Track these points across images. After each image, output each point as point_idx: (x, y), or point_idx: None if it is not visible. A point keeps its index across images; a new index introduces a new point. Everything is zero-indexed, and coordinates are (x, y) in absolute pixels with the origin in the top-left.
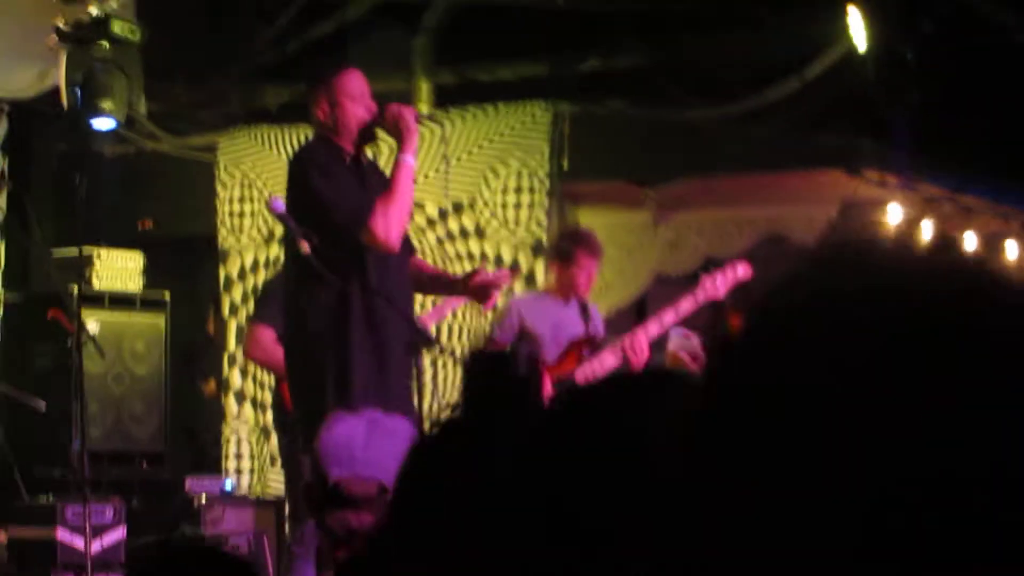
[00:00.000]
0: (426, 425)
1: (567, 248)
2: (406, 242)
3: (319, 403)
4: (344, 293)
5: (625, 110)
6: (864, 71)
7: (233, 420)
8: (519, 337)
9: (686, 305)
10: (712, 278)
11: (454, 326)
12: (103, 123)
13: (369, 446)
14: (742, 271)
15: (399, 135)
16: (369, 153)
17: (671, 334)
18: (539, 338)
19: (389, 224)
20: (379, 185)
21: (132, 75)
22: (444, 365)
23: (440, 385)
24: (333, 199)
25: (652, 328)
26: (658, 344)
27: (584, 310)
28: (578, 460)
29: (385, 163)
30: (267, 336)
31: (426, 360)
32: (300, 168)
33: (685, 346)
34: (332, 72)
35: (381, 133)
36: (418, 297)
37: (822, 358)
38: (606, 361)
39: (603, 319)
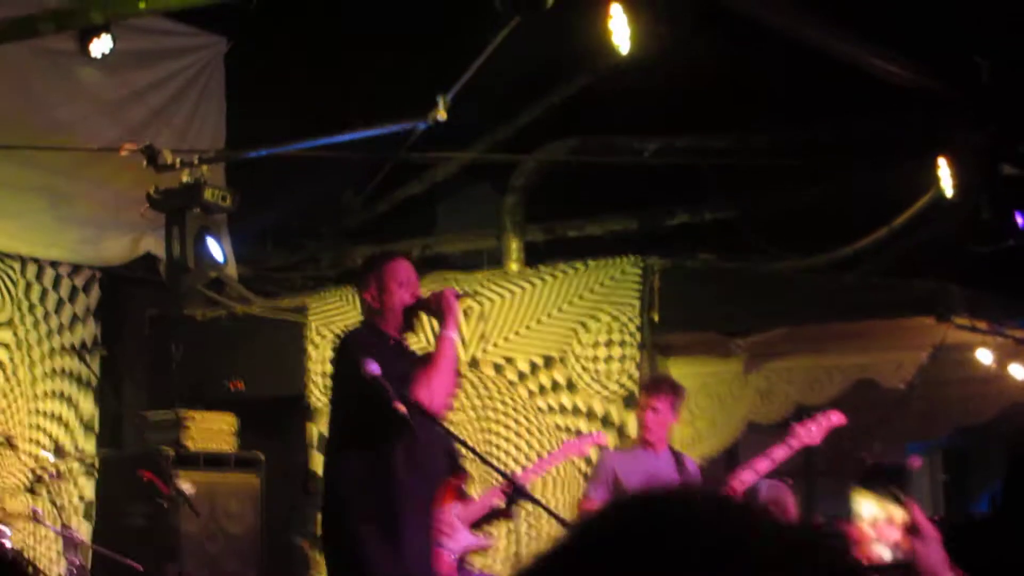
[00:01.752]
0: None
1: (641, 392)
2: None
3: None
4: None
5: (714, 262)
6: (952, 218)
7: None
8: (613, 491)
9: (780, 453)
10: (805, 426)
11: (553, 480)
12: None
13: None
14: (835, 418)
15: (441, 314)
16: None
17: (761, 485)
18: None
19: (432, 391)
20: (420, 364)
21: (222, 239)
22: (539, 518)
23: (534, 537)
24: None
25: (747, 476)
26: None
27: (678, 461)
28: None
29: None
30: None
31: (521, 513)
32: (345, 347)
33: (776, 499)
34: (382, 259)
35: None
36: (524, 448)
37: None
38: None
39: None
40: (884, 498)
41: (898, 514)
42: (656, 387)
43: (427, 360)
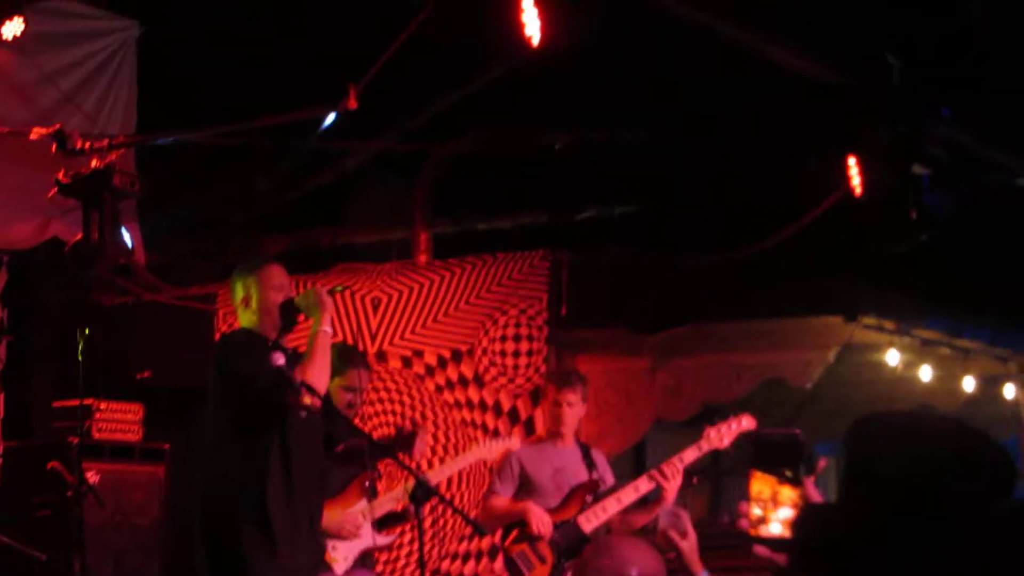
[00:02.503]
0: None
1: (550, 386)
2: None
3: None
4: (265, 447)
5: (622, 257)
6: (861, 217)
7: None
8: (520, 486)
9: (690, 454)
10: (716, 428)
11: (458, 476)
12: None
13: None
14: (746, 422)
15: (315, 310)
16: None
17: (661, 512)
18: (540, 486)
19: (311, 382)
20: (297, 360)
21: (131, 226)
22: (444, 512)
23: (440, 530)
24: (253, 371)
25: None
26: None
27: (585, 453)
28: None
29: None
30: None
31: (427, 507)
32: (223, 347)
33: (675, 524)
34: (255, 265)
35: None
36: (430, 442)
37: None
38: (641, 487)
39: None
40: (773, 476)
41: (786, 491)
42: (567, 380)
43: (303, 356)
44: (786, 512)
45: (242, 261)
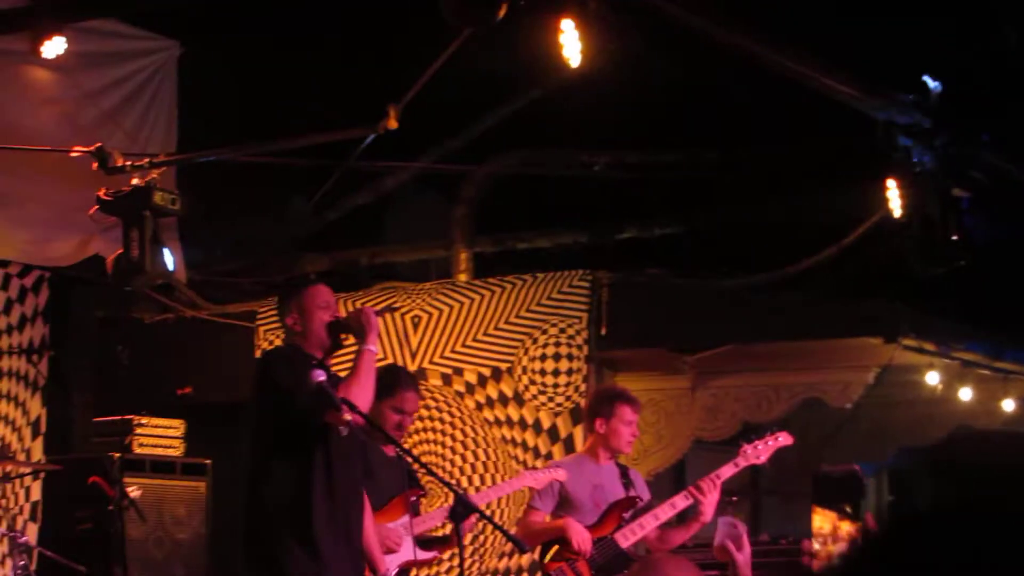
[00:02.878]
0: None
1: (606, 403)
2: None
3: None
4: (309, 464)
5: (662, 278)
6: (901, 239)
7: None
8: (560, 503)
9: (727, 471)
10: (753, 445)
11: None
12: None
13: None
14: (783, 439)
15: (361, 330)
16: None
17: (719, 523)
18: (578, 503)
19: (354, 400)
20: (338, 382)
21: (172, 244)
22: (484, 529)
23: (480, 547)
24: (296, 386)
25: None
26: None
27: (623, 473)
28: None
29: None
30: None
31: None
32: (265, 363)
33: (732, 535)
34: (303, 284)
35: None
36: (470, 459)
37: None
38: (678, 503)
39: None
40: (833, 511)
41: (845, 526)
42: (626, 398)
43: (348, 376)
44: (844, 547)
45: (285, 280)
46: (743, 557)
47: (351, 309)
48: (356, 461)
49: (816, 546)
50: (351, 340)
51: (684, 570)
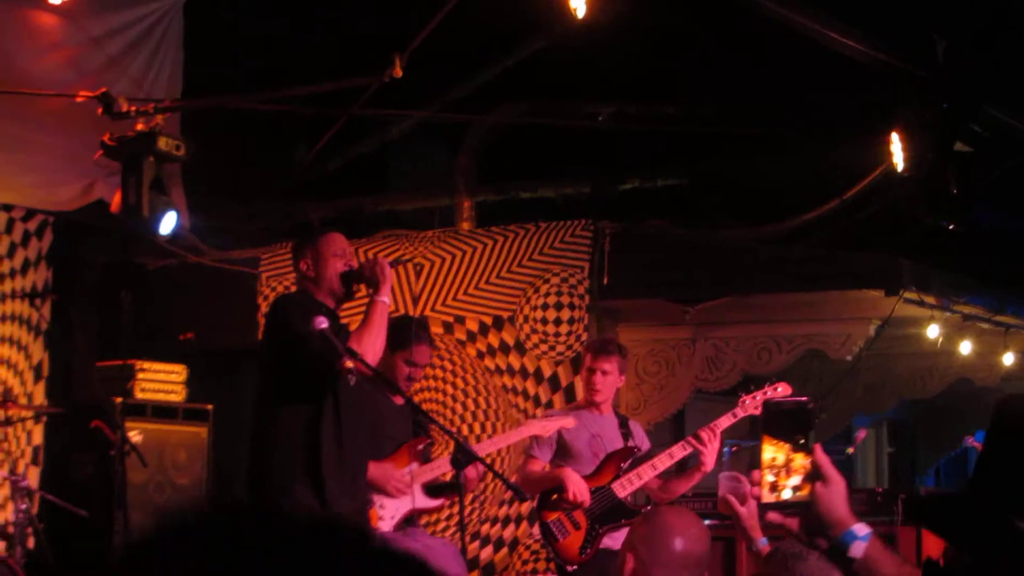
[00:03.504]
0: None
1: (587, 354)
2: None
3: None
4: (318, 410)
5: (665, 229)
6: (903, 192)
7: None
8: (558, 452)
9: (724, 422)
10: (752, 395)
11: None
12: (167, 224)
13: None
14: (781, 389)
15: (375, 280)
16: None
17: (720, 478)
18: (576, 452)
19: (363, 350)
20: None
21: (176, 190)
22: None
23: (481, 494)
24: (307, 331)
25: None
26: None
27: (623, 423)
28: None
29: None
30: None
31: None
32: (277, 307)
33: (735, 489)
34: (318, 231)
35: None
36: (471, 407)
37: None
38: (675, 453)
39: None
40: (786, 442)
41: (799, 459)
42: (604, 348)
43: (359, 326)
44: (796, 479)
45: (302, 225)
46: (747, 510)
47: (365, 259)
48: (366, 409)
49: (768, 477)
50: (363, 292)
51: (685, 519)
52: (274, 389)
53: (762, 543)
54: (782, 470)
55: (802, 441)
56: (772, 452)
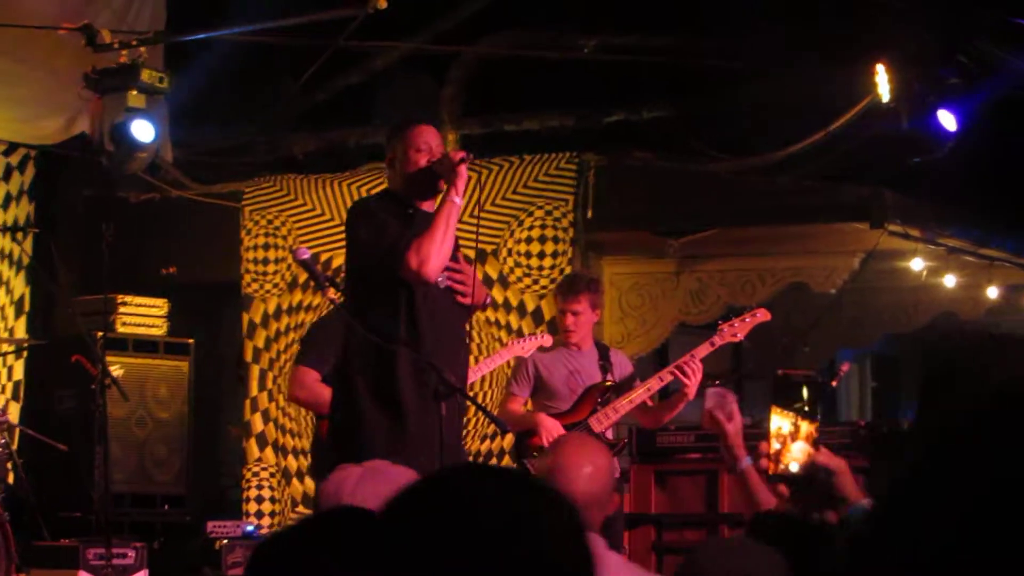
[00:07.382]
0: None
1: (557, 296)
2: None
3: (352, 445)
4: (375, 343)
5: (650, 162)
6: (888, 125)
7: (254, 463)
8: (536, 389)
9: (703, 349)
10: (731, 323)
11: (489, 377)
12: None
13: (357, 493)
14: (760, 315)
15: (451, 178)
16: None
17: (707, 393)
18: (554, 389)
19: (422, 256)
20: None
21: (159, 122)
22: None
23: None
24: (374, 240)
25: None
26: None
27: (603, 355)
28: None
29: None
30: (311, 378)
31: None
32: (350, 215)
33: (721, 405)
34: (406, 124)
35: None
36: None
37: None
38: (653, 386)
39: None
40: (792, 411)
41: (806, 426)
42: (571, 289)
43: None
44: (800, 446)
45: (393, 125)
46: (733, 427)
47: (443, 155)
48: (452, 317)
49: (775, 445)
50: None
51: (591, 448)
52: (353, 299)
53: (747, 462)
54: (787, 438)
55: (808, 409)
56: (779, 421)
